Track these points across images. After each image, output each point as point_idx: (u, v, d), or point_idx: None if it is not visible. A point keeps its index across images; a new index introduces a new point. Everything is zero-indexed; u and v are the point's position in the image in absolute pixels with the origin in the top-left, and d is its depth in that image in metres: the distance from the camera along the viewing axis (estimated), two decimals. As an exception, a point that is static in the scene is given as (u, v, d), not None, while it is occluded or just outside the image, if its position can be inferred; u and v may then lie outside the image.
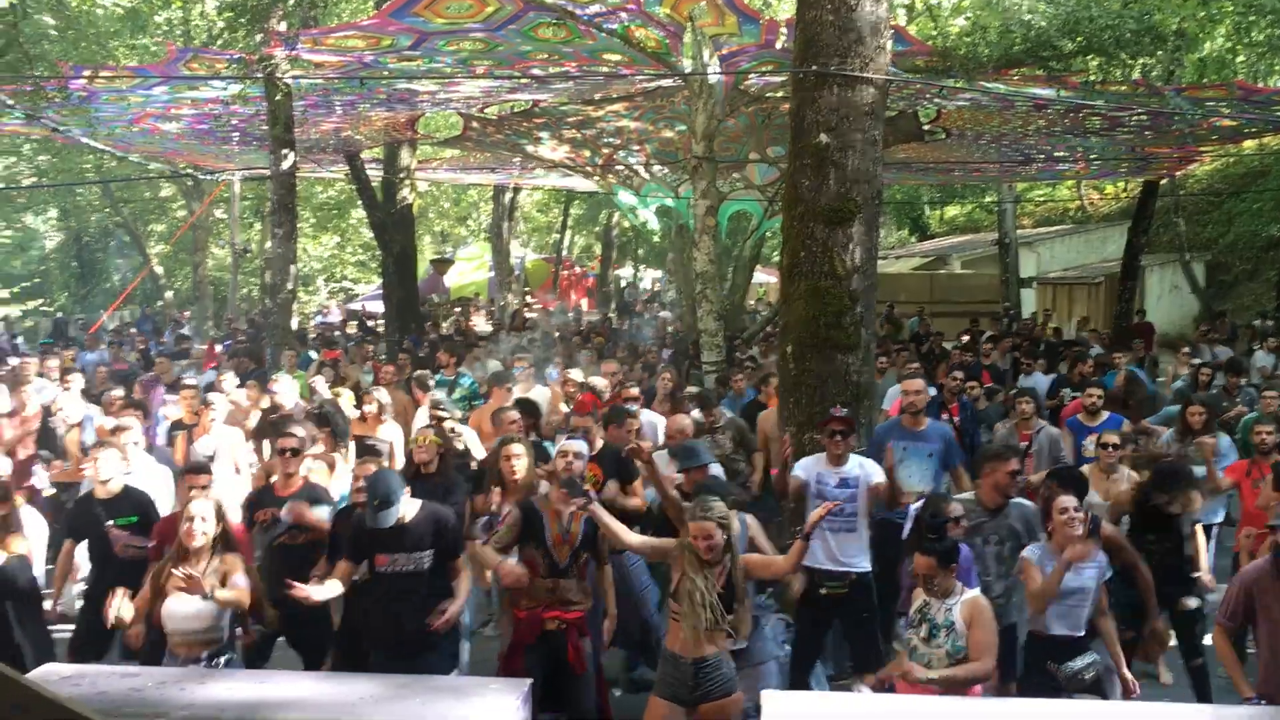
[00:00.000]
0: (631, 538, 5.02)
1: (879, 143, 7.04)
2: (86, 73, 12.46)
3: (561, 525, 5.29)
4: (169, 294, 33.37)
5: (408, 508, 5.14)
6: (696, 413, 8.22)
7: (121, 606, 4.66)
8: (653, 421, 8.22)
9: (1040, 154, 18.56)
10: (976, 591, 4.70)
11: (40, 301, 33.26)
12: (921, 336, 17.45)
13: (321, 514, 5.88)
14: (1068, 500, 5.03)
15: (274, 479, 6.31)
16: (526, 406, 7.86)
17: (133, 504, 6.18)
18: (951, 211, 40.12)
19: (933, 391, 8.46)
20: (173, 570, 4.85)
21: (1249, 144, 23.46)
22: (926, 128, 14.53)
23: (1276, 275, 16.90)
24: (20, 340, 20.39)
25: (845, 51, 6.76)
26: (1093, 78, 13.84)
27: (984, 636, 4.48)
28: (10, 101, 11.28)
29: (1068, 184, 32.53)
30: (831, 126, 6.79)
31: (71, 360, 13.03)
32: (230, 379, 10.03)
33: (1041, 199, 35.63)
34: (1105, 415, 8.62)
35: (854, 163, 6.81)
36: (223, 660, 4.81)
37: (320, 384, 10.10)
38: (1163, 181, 21.42)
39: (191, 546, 4.93)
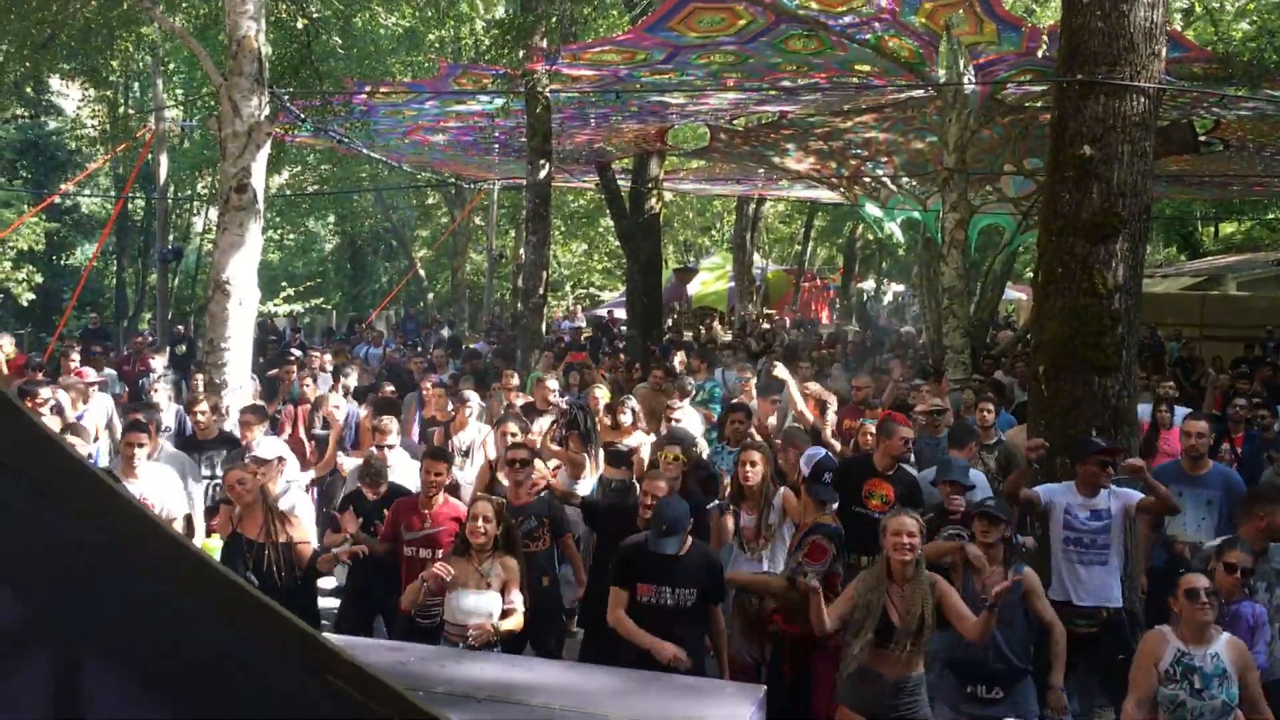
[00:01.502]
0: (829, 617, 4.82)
1: (1149, 155, 6.66)
2: (368, 88, 13.47)
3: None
4: (430, 296, 35.50)
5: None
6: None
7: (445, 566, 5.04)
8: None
9: (1333, 167, 17.00)
10: (1227, 632, 4.35)
11: (320, 300, 36.06)
12: (1186, 363, 16.11)
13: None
14: None
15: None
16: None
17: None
18: (1228, 229, 37.20)
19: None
20: (440, 565, 5.10)
21: None
22: (1202, 138, 13.60)
23: None
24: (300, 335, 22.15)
25: (1115, 59, 6.44)
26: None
27: (1258, 684, 4.16)
28: (302, 115, 12.33)
29: (1365, 200, 29.57)
30: (1097, 137, 6.48)
31: (349, 356, 14.04)
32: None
33: (1333, 216, 32.55)
34: None
35: (1120, 175, 6.48)
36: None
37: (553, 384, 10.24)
38: None
39: (475, 544, 5.17)
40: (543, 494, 6.50)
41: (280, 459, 6.78)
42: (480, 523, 5.12)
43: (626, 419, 8.48)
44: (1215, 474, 6.57)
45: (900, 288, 37.98)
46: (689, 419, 8.84)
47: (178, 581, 1.03)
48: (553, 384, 9.80)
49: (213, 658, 1.03)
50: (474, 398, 8.94)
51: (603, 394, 9.11)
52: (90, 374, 10.08)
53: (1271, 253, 26.48)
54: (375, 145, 16.56)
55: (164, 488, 6.49)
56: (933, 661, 5.08)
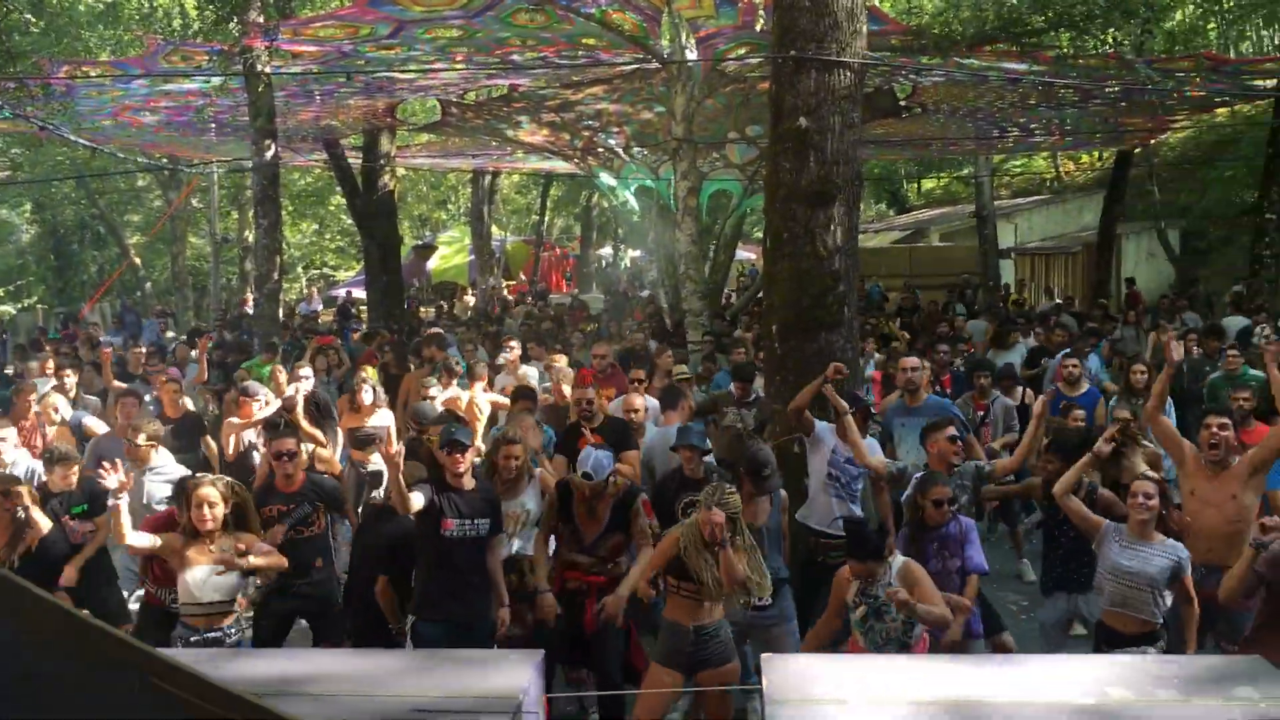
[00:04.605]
0: (625, 584, 5.34)
1: (857, 125, 7.19)
2: (66, 68, 12.46)
3: (587, 506, 5.57)
4: (148, 285, 33.28)
5: None
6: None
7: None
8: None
9: (1015, 127, 18.74)
10: (901, 557, 4.91)
11: (34, 299, 33.13)
12: (907, 310, 17.67)
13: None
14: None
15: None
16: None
17: (84, 493, 6.34)
18: (929, 185, 40.32)
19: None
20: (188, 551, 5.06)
21: (1221, 111, 23.75)
22: (903, 104, 14.69)
23: (1250, 241, 17.20)
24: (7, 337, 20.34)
25: (822, 36, 6.89)
26: (1065, 51, 14.02)
27: (931, 590, 4.74)
28: (-2, 100, 11.29)
29: (1043, 155, 32.75)
30: (810, 110, 6.93)
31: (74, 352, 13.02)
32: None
33: (1018, 170, 35.86)
34: (1086, 386, 8.77)
35: (833, 145, 6.96)
36: (241, 629, 5.13)
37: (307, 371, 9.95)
38: (1137, 150, 21.67)
39: (204, 531, 5.07)
40: (315, 476, 6.44)
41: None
42: (205, 509, 5.06)
43: (367, 398, 8.40)
44: (930, 404, 7.27)
45: (637, 253, 38.89)
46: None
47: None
48: (306, 371, 9.42)
49: (26, 676, 1.04)
50: (263, 390, 8.48)
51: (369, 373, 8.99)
52: None
53: (967, 205, 28.88)
54: (80, 128, 15.34)
55: None
56: None
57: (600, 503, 5.56)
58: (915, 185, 40.88)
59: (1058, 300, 20.48)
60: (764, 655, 3.07)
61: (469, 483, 5.40)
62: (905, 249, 28.12)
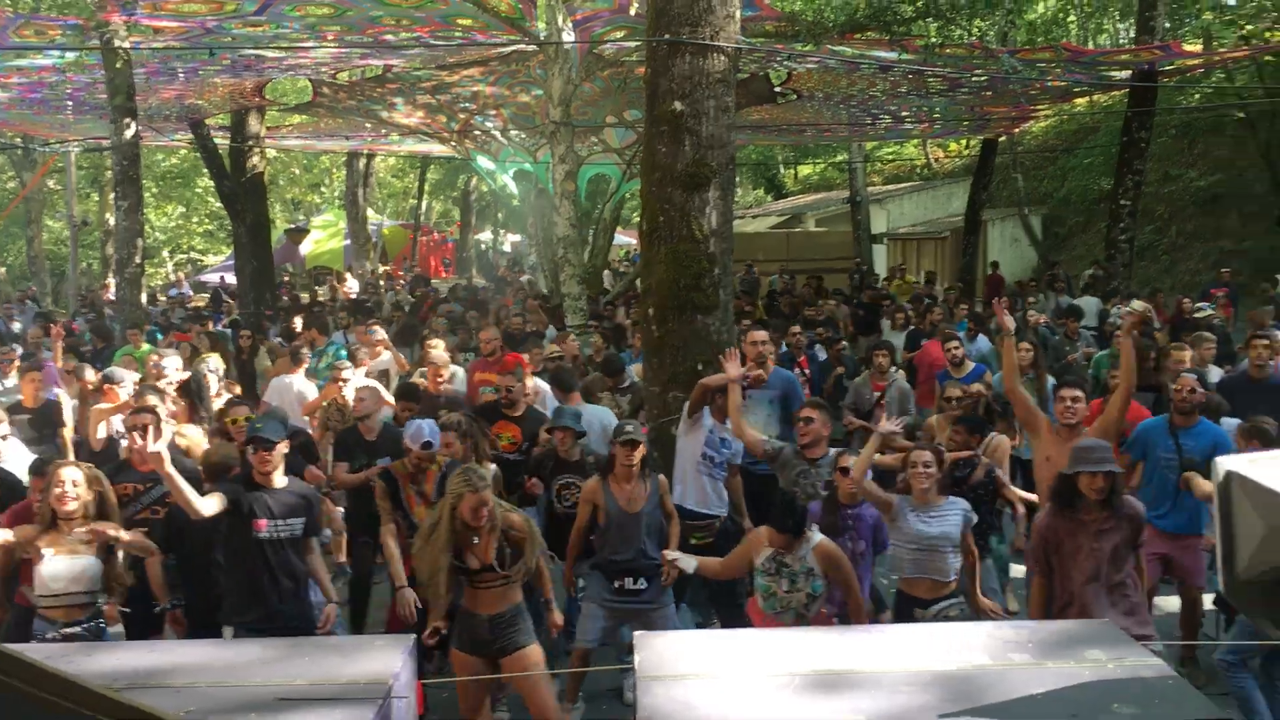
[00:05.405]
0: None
1: (731, 109, 7.25)
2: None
3: (417, 489, 5.55)
4: (1, 270, 31.69)
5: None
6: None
7: None
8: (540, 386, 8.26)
9: (886, 114, 19.20)
10: (819, 535, 5.01)
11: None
12: (777, 293, 18.01)
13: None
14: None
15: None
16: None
17: None
18: (805, 171, 41.06)
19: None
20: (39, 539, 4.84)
21: (1080, 101, 24.76)
22: (778, 90, 14.90)
23: (1106, 227, 17.99)
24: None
25: (696, 20, 6.93)
26: (933, 40, 14.41)
27: (849, 573, 4.87)
28: None
29: (914, 142, 33.67)
30: (685, 94, 6.96)
31: None
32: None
33: (890, 157, 36.80)
34: (971, 366, 8.99)
35: (708, 129, 7.01)
36: (98, 625, 4.87)
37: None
38: (1001, 139, 22.43)
39: (63, 512, 4.85)
40: (174, 456, 6.19)
41: None
42: (69, 488, 4.86)
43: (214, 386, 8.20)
44: (775, 377, 7.37)
45: (517, 238, 38.64)
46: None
47: None
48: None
49: None
50: (128, 376, 8.10)
51: (217, 363, 8.68)
52: None
53: (842, 191, 29.52)
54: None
55: None
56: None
57: (427, 482, 5.52)
58: (792, 172, 41.57)
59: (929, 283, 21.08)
60: (636, 633, 3.09)
61: (279, 480, 5.11)
62: (783, 234, 28.61)
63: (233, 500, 4.95)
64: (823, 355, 10.88)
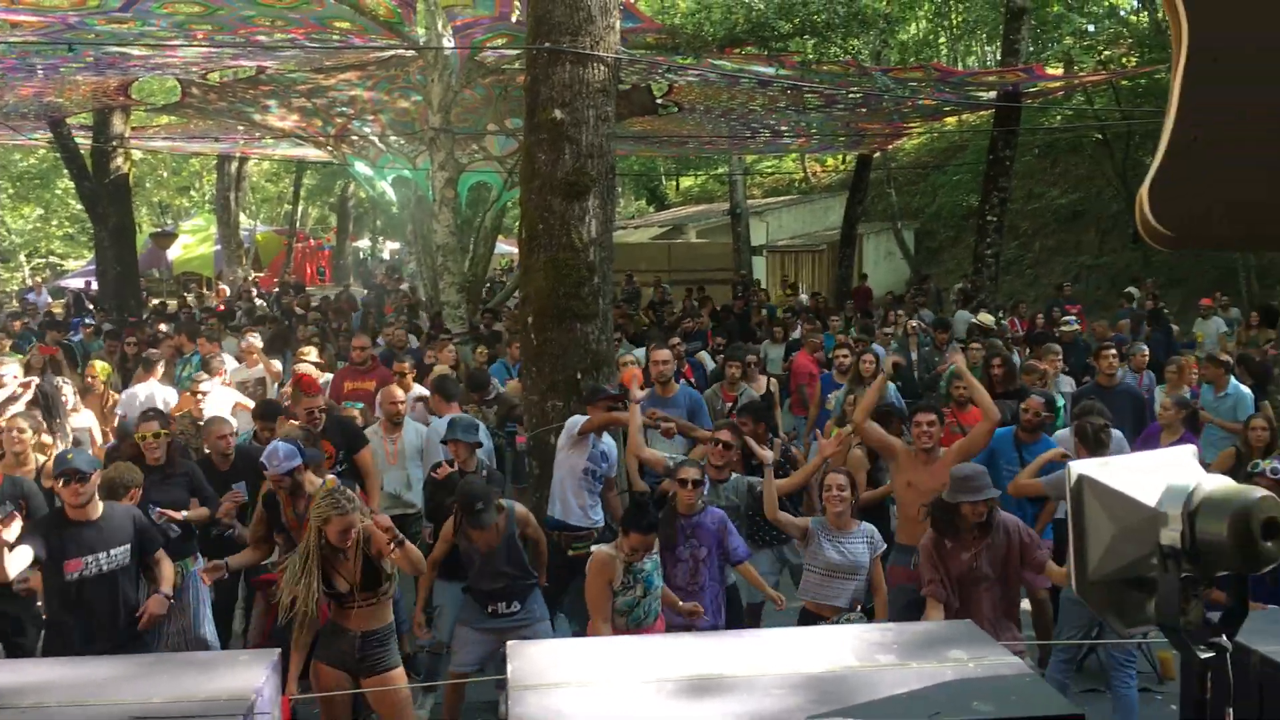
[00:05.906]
0: None
1: (611, 119, 7.28)
2: None
3: (296, 512, 5.40)
4: None
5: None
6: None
7: None
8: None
9: (766, 128, 19.54)
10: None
11: None
12: (658, 304, 18.13)
13: None
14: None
15: None
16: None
17: None
18: (687, 182, 41.49)
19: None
20: None
21: (950, 120, 25.61)
22: (660, 101, 15.02)
23: (974, 242, 18.66)
24: None
25: (576, 30, 6.94)
26: (810, 57, 14.74)
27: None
28: None
29: (792, 157, 34.34)
30: (565, 102, 6.97)
31: None
32: None
33: (769, 170, 37.44)
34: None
35: (588, 138, 7.02)
36: None
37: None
38: (875, 155, 23.03)
39: None
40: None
41: None
42: None
43: (69, 401, 7.85)
44: (681, 394, 7.48)
45: (396, 245, 38.06)
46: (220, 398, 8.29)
47: None
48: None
49: None
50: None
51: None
52: None
53: (723, 203, 29.91)
54: None
55: None
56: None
57: (302, 501, 5.35)
58: (674, 183, 41.96)
59: (802, 295, 21.51)
60: (509, 643, 3.06)
61: (95, 510, 4.78)
62: (664, 245, 28.85)
63: (35, 553, 4.61)
64: (710, 364, 11.01)
